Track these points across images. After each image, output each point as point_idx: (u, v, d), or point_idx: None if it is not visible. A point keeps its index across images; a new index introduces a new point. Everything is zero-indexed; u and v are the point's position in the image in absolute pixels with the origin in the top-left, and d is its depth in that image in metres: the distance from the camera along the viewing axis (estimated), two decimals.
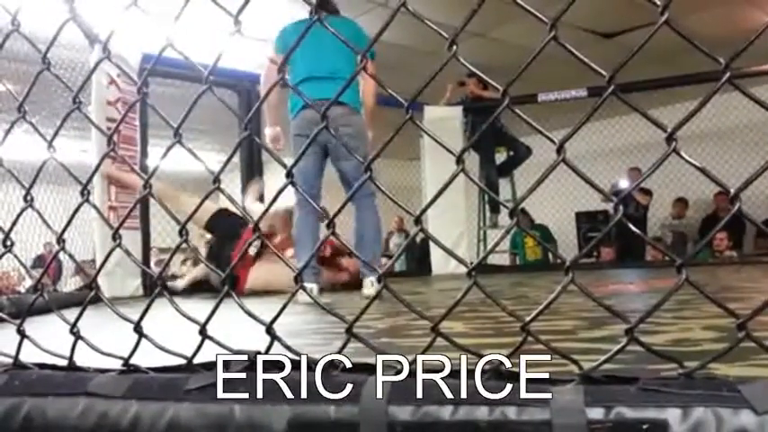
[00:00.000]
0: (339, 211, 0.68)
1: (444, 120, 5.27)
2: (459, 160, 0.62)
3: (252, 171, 5.04)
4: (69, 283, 6.02)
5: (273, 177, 5.65)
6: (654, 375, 0.59)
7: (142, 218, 3.96)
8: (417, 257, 7.47)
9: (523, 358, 0.61)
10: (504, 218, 6.06)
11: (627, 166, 6.59)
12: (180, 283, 3.92)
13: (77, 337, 0.78)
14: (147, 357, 0.77)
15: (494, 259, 5.69)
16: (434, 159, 5.14)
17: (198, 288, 3.81)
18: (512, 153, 5.86)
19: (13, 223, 0.94)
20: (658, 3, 0.53)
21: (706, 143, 6.02)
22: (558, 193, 5.51)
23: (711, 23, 5.30)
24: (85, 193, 0.85)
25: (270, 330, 0.69)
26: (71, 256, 0.98)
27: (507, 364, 0.62)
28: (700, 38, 0.54)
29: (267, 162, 5.18)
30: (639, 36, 6.46)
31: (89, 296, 0.77)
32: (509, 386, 0.58)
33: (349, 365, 0.68)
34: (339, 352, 0.66)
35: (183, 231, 0.80)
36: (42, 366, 0.81)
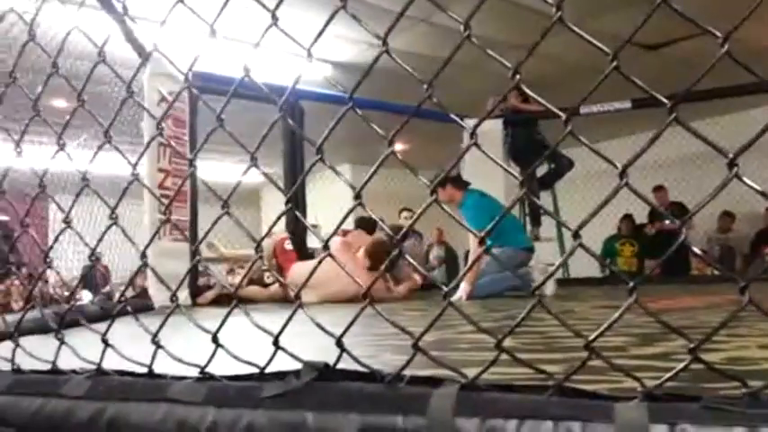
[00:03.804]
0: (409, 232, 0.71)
1: (484, 132, 5.26)
2: (523, 184, 0.65)
3: (294, 183, 5.14)
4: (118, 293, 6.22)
5: (316, 189, 5.74)
6: (714, 394, 0.60)
7: (191, 230, 4.09)
8: (454, 271, 7.44)
9: (585, 374, 0.63)
10: (544, 231, 6.01)
11: (673, 178, 6.47)
12: (209, 294, 4.13)
13: (158, 345, 0.83)
14: (215, 366, 0.82)
15: None
16: (474, 171, 5.15)
17: (228, 300, 3.97)
18: (553, 165, 5.82)
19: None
20: (719, 34, 0.55)
21: (755, 155, 5.85)
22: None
23: None
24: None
25: (340, 343, 0.73)
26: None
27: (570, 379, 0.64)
28: (758, 48, 0.56)
29: (311, 173, 5.26)
30: (683, 48, 6.37)
31: (172, 308, 0.82)
32: (573, 402, 0.60)
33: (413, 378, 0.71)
34: (406, 365, 0.69)
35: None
36: (122, 373, 0.87)
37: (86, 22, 0.99)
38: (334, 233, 0.83)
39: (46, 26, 1.44)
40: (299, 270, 4.06)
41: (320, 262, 0.78)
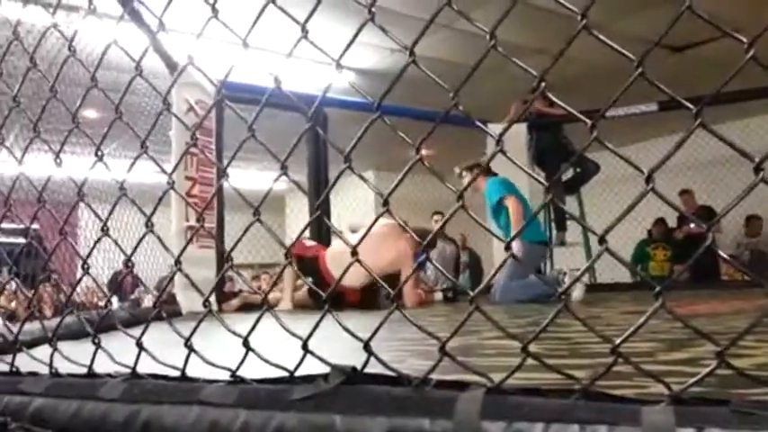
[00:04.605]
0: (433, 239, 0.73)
1: (509, 136, 5.22)
2: (548, 190, 0.66)
3: (318, 189, 5.18)
4: (146, 299, 6.34)
5: (339, 197, 5.77)
6: (742, 399, 0.60)
7: (217, 238, 4.14)
8: (477, 276, 7.42)
9: (610, 379, 0.64)
10: (569, 236, 5.96)
11: (702, 180, 6.38)
12: (235, 302, 4.18)
13: (191, 350, 0.85)
14: (245, 370, 0.84)
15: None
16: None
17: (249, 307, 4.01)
18: (579, 169, 5.78)
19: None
20: (744, 40, 0.56)
21: None
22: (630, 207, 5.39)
23: None
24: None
25: (367, 347, 0.74)
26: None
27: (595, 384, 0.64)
28: None
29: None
30: (709, 49, 6.27)
31: (205, 313, 0.85)
32: (599, 405, 0.61)
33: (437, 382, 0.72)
34: (433, 369, 0.70)
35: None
36: (155, 377, 0.89)
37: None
38: (363, 238, 0.84)
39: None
40: (332, 252, 4.03)
41: (350, 265, 0.78)
